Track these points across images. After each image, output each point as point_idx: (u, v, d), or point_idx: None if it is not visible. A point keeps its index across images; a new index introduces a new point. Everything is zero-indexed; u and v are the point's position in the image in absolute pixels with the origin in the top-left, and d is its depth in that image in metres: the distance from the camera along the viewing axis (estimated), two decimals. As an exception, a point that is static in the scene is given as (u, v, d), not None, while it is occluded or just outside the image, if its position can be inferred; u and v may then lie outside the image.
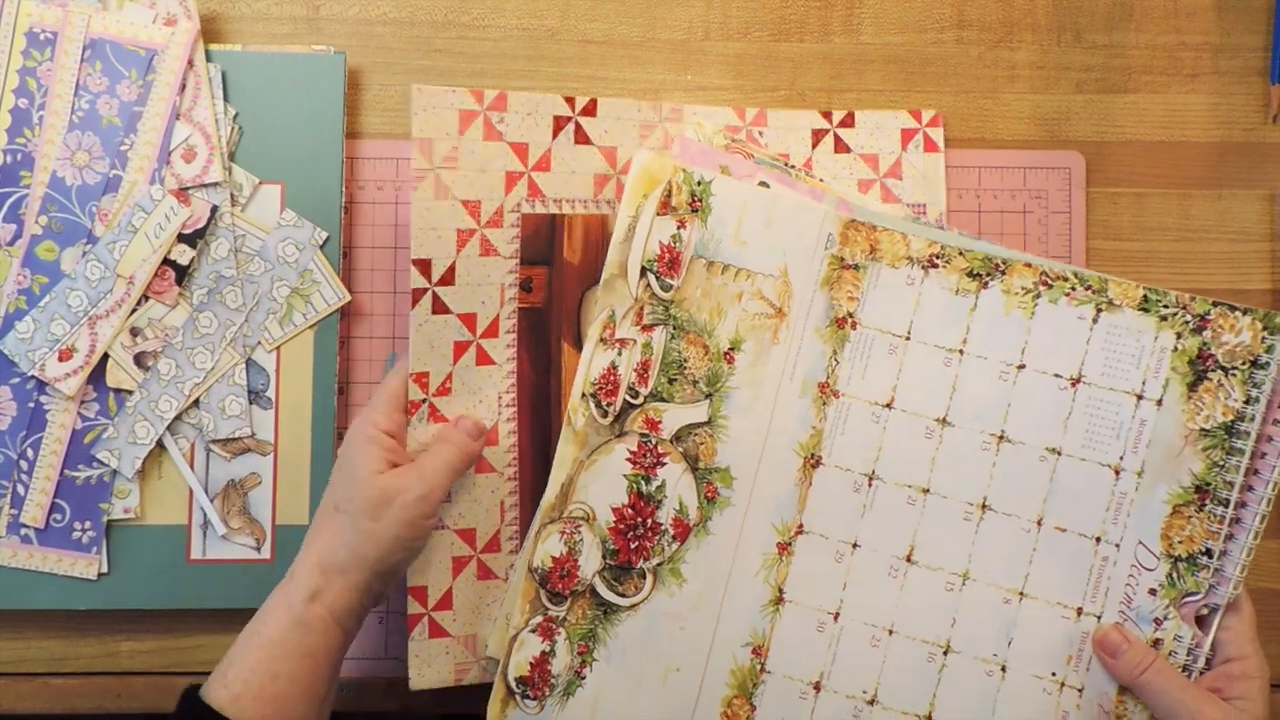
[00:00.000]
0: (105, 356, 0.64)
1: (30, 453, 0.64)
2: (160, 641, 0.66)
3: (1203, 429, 0.59)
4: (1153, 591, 0.60)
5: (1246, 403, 0.59)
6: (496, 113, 0.63)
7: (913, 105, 0.69)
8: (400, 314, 0.68)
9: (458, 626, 0.63)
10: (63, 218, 0.65)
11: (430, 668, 0.63)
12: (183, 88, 0.66)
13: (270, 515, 0.66)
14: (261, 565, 0.65)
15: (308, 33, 0.69)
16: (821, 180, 0.66)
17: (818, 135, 0.68)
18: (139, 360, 0.65)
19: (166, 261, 0.65)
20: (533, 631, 0.62)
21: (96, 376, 0.65)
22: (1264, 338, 0.59)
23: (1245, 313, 0.59)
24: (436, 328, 0.62)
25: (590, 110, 0.65)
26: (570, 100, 0.65)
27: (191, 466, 0.65)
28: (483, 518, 0.64)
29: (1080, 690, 0.60)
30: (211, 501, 0.65)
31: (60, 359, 0.64)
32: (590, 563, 0.62)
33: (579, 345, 0.65)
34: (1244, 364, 0.59)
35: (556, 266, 0.65)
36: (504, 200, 0.63)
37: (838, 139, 0.69)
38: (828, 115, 0.69)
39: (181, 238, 0.65)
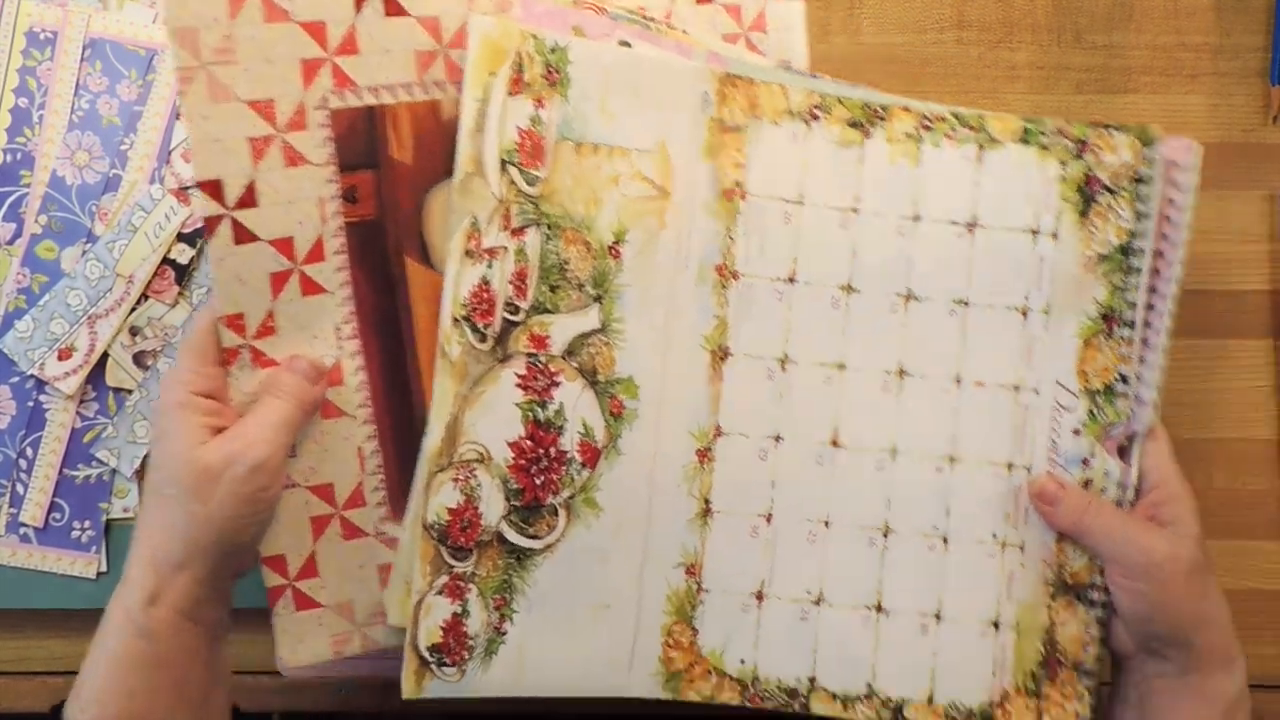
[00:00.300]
0: (105, 355, 0.64)
1: (29, 452, 0.64)
2: (159, 641, 0.66)
3: (1100, 254, 0.59)
4: (1076, 432, 0.59)
5: (1137, 219, 0.58)
6: None
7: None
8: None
9: (328, 594, 0.56)
10: (62, 217, 0.65)
11: (303, 644, 0.56)
12: (183, 87, 0.66)
13: (269, 515, 0.66)
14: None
15: (308, 32, 0.69)
16: (685, 32, 0.59)
17: None
18: (138, 359, 0.65)
19: (166, 261, 0.65)
20: (439, 594, 0.55)
21: (96, 375, 0.65)
22: (1143, 152, 0.58)
23: (1120, 129, 0.59)
24: (244, 259, 0.53)
25: None
26: None
27: (191, 466, 0.65)
28: (339, 469, 0.56)
29: (1022, 547, 0.59)
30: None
31: (60, 358, 0.64)
32: (493, 508, 0.56)
33: (425, 258, 0.56)
34: (1128, 182, 0.58)
35: (385, 169, 0.55)
36: (304, 95, 0.53)
37: None
38: None
39: (181, 237, 0.65)
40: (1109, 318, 0.59)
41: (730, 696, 0.58)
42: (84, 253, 0.65)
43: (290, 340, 0.54)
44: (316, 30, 0.53)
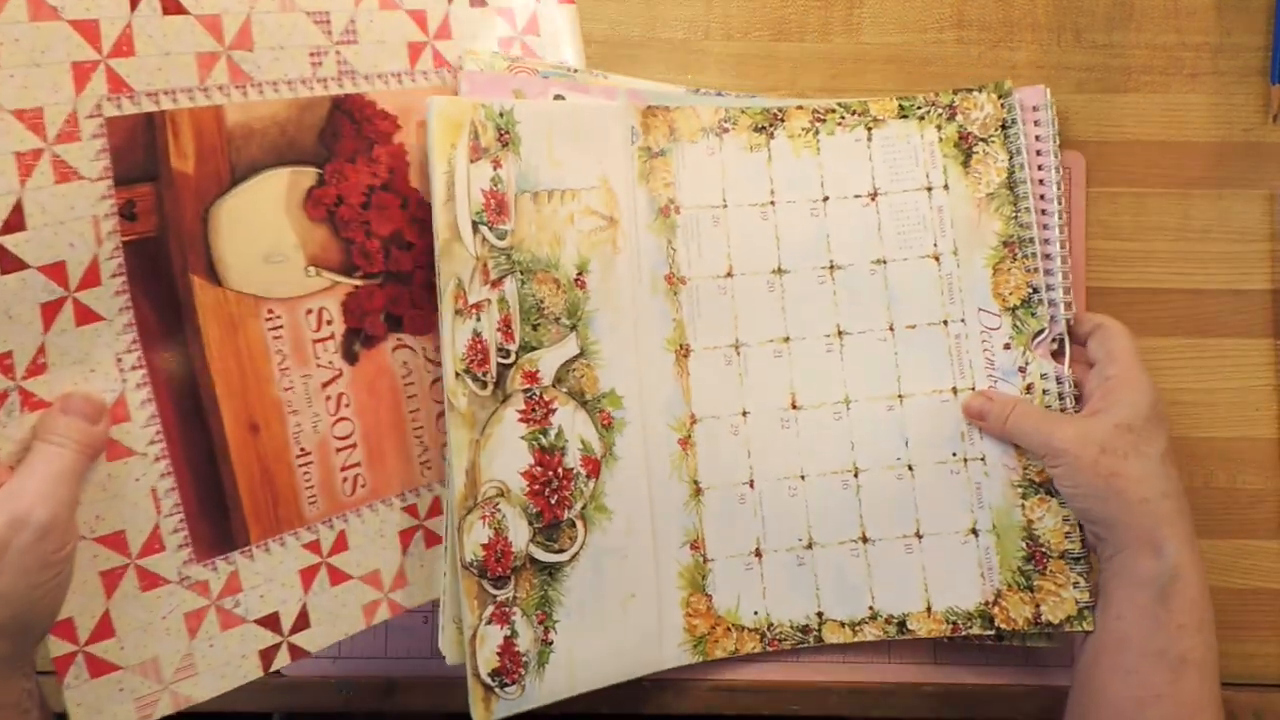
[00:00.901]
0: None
1: None
2: (160, 641, 0.66)
3: (988, 194, 0.66)
4: (1007, 346, 0.65)
5: (1011, 158, 0.66)
6: None
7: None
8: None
9: (128, 654, 0.51)
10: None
11: (102, 715, 0.51)
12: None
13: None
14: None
15: (307, 32, 0.69)
16: (606, 76, 0.66)
17: None
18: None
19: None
20: (488, 623, 0.59)
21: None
22: (1002, 103, 0.66)
23: (980, 90, 0.67)
24: (11, 291, 0.46)
25: None
26: None
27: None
28: (131, 515, 0.51)
29: (983, 459, 0.65)
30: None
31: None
32: (519, 535, 0.60)
33: (213, 275, 0.52)
34: (997, 130, 0.66)
35: (165, 181, 0.50)
36: (76, 103, 0.47)
37: None
38: None
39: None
40: (1009, 244, 0.66)
41: (752, 646, 0.65)
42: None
43: (65, 376, 0.48)
44: (89, 29, 0.47)
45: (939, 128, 0.67)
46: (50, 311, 0.48)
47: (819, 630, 0.65)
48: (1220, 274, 0.69)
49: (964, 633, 0.64)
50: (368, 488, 0.58)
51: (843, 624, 0.65)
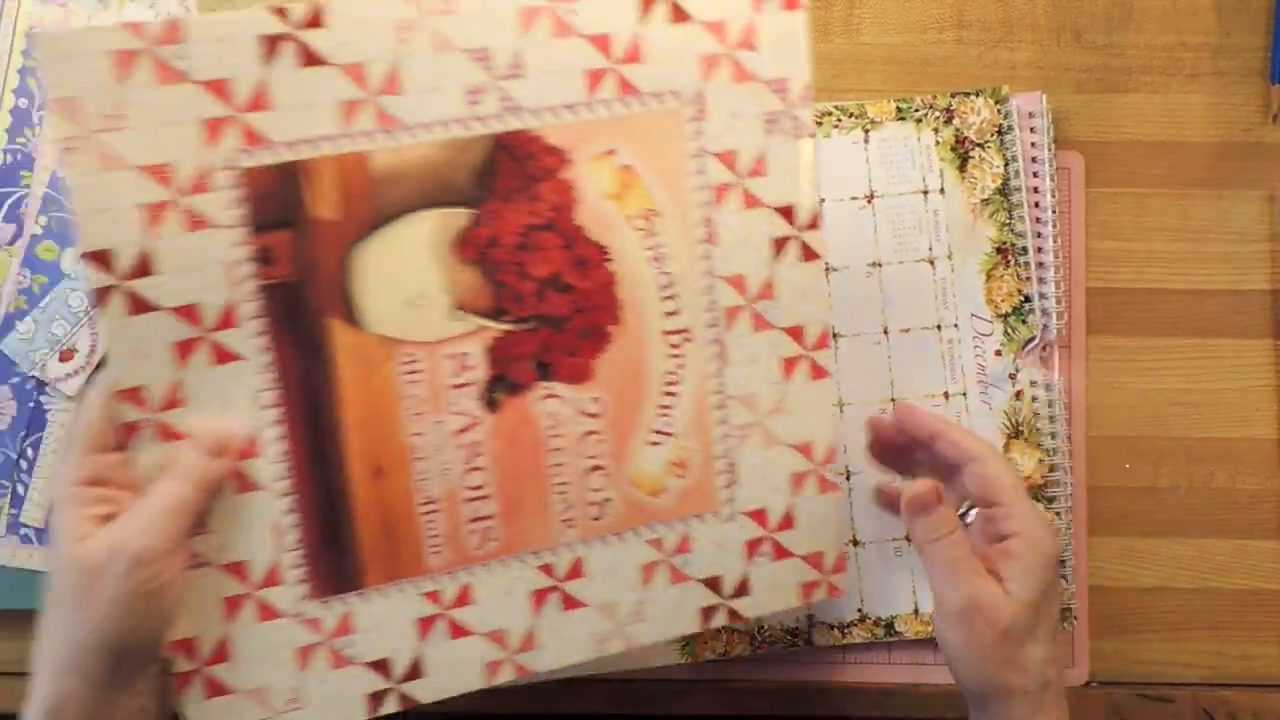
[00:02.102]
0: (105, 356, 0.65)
1: (30, 452, 0.64)
2: (160, 641, 0.66)
3: (983, 199, 0.67)
4: (998, 353, 0.66)
5: (1007, 164, 0.67)
6: (170, 46, 0.48)
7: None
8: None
9: (241, 680, 0.52)
10: (63, 218, 0.65)
11: None
12: (183, 88, 0.66)
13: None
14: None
15: (308, 33, 0.69)
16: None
17: (648, 3, 0.54)
18: (139, 360, 0.65)
19: (166, 261, 0.65)
20: None
21: (97, 376, 0.65)
22: (999, 108, 0.67)
23: (977, 94, 0.67)
24: (142, 330, 0.49)
25: (315, 21, 0.50)
26: (281, 11, 0.49)
27: (191, 466, 0.65)
28: (253, 546, 0.52)
29: None
30: (211, 501, 0.65)
31: (62, 359, 0.64)
32: None
33: (352, 318, 0.52)
34: (993, 135, 0.67)
35: (303, 227, 0.51)
36: (207, 156, 0.49)
37: (675, 7, 0.54)
38: None
39: (181, 238, 0.65)
40: (1003, 250, 0.66)
41: (742, 649, 0.65)
42: (84, 253, 0.64)
43: (202, 412, 0.50)
44: (219, 87, 0.49)
45: (936, 131, 0.67)
46: (184, 350, 0.50)
47: (809, 633, 0.66)
48: (1220, 274, 0.69)
49: None
50: (499, 542, 0.55)
51: (831, 626, 0.66)
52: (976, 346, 0.66)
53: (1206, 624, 0.68)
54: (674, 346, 0.56)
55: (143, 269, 0.49)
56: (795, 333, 0.57)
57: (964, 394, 0.66)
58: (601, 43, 0.53)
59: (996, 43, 0.70)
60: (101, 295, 0.48)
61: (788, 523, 0.58)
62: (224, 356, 0.50)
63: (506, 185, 0.53)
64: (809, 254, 0.57)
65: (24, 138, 0.65)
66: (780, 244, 0.56)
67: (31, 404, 0.64)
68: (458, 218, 0.53)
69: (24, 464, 0.64)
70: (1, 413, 0.64)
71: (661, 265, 0.55)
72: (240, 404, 0.51)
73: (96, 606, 0.46)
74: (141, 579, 0.46)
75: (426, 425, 0.53)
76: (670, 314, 0.55)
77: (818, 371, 0.57)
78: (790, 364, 0.57)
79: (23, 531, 0.64)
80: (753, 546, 0.58)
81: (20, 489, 0.64)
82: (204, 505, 0.49)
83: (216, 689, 0.52)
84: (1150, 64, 0.70)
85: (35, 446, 0.64)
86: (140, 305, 0.49)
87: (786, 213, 0.56)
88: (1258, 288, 0.69)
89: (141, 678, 0.49)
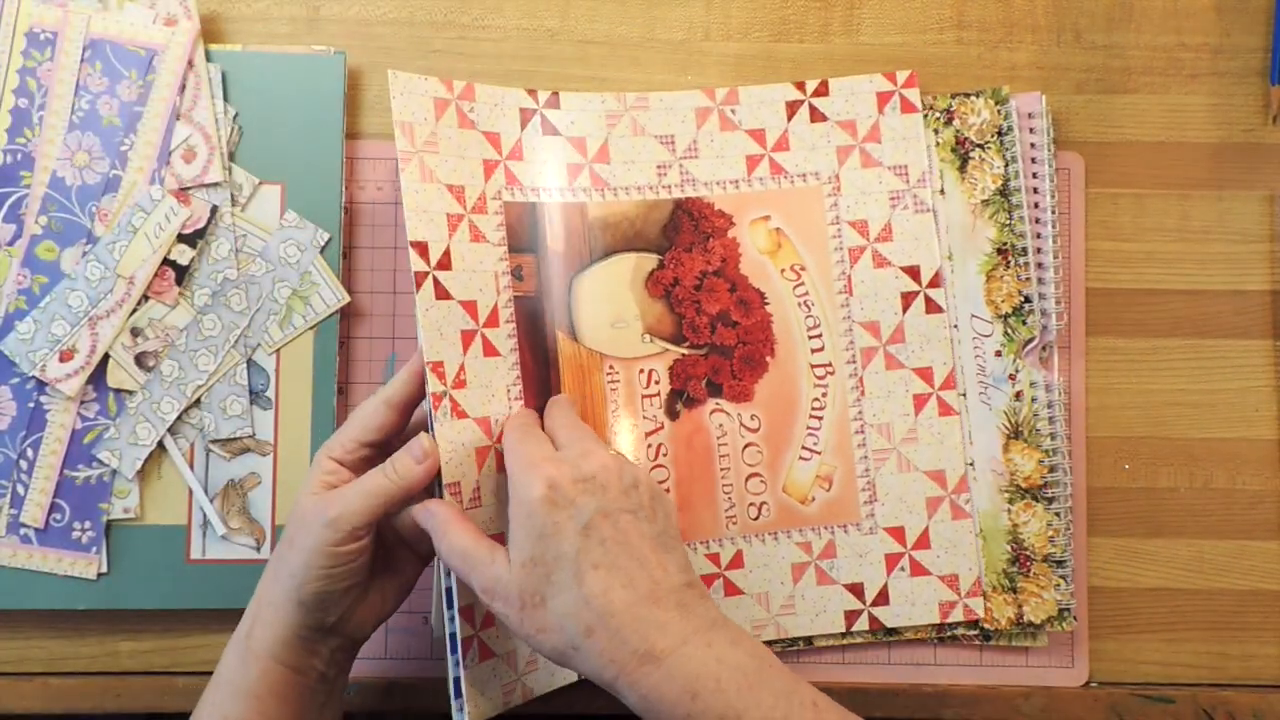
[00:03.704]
0: (106, 357, 0.64)
1: (30, 453, 0.64)
2: (160, 641, 0.66)
3: (983, 200, 0.67)
4: (998, 353, 0.67)
5: (1007, 165, 0.67)
6: (466, 102, 0.63)
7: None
8: (401, 314, 0.68)
9: (500, 643, 0.59)
10: (63, 218, 0.65)
11: (484, 696, 0.58)
12: (183, 88, 0.66)
13: (270, 515, 0.66)
14: (261, 565, 0.65)
15: (308, 33, 0.69)
16: None
17: (793, 107, 0.68)
18: (140, 360, 0.65)
19: (166, 261, 0.65)
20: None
21: (97, 377, 0.65)
22: (999, 109, 0.67)
23: (977, 95, 0.68)
24: (443, 314, 0.59)
25: (553, 103, 0.66)
26: (533, 93, 0.66)
27: (191, 466, 0.65)
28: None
29: (971, 464, 0.66)
30: (211, 501, 0.65)
31: (61, 360, 0.64)
32: None
33: (572, 333, 0.64)
34: (993, 136, 0.67)
35: (542, 253, 0.64)
36: (485, 187, 0.63)
37: (813, 108, 0.68)
38: (801, 86, 0.68)
39: (181, 238, 0.65)
40: (1003, 251, 0.67)
41: None
42: (84, 254, 0.65)
43: (476, 395, 0.60)
44: (493, 139, 0.64)
45: (936, 131, 0.68)
46: (467, 338, 0.60)
47: (809, 637, 0.66)
48: (1220, 274, 0.69)
49: (950, 633, 0.65)
50: None
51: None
52: (977, 346, 0.67)
53: (1206, 624, 0.68)
54: (819, 377, 0.66)
55: (445, 262, 0.60)
56: (924, 374, 0.66)
57: (964, 394, 0.66)
58: (758, 135, 0.67)
59: (997, 43, 0.70)
60: (419, 278, 0.58)
61: (924, 542, 0.65)
62: (490, 350, 0.61)
63: (686, 239, 0.67)
64: (932, 307, 0.66)
65: (24, 138, 0.65)
66: (908, 298, 0.66)
67: (31, 404, 0.64)
68: (649, 261, 0.66)
69: (24, 464, 0.64)
70: (1, 413, 0.64)
71: (809, 310, 0.66)
72: (498, 393, 0.61)
73: (296, 551, 0.54)
74: (325, 540, 0.54)
75: (623, 426, 0.65)
76: (816, 350, 0.66)
77: (945, 408, 0.66)
78: (920, 400, 0.66)
79: (23, 531, 0.64)
80: (892, 560, 0.65)
81: (20, 489, 0.64)
82: (399, 501, 0.55)
83: (487, 652, 0.58)
84: (1150, 64, 0.70)
85: (35, 446, 0.64)
86: (442, 292, 0.59)
87: (913, 272, 0.66)
88: (1258, 288, 0.69)
89: (325, 644, 0.56)
